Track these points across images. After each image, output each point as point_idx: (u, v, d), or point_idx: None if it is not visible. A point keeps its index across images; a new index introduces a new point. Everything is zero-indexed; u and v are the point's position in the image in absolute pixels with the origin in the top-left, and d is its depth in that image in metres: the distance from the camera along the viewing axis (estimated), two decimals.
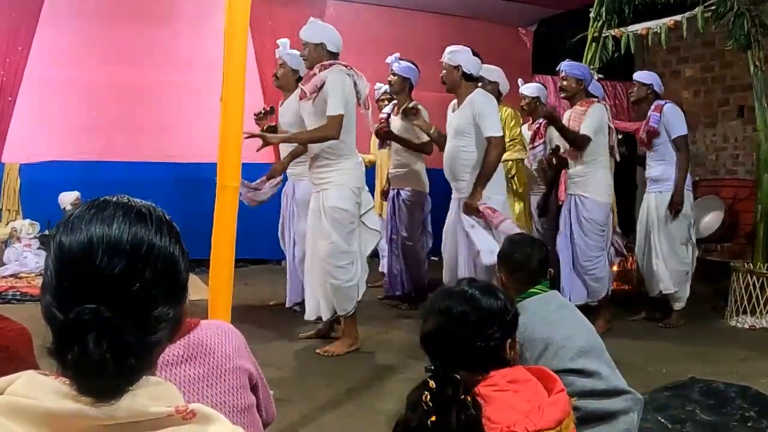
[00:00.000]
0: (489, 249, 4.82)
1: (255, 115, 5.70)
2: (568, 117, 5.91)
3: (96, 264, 0.99)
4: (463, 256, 5.17)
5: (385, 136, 6.28)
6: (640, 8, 6.65)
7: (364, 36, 8.39)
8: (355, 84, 4.90)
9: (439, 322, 1.93)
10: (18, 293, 6.51)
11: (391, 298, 6.68)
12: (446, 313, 1.92)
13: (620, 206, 6.12)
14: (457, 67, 5.13)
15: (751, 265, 6.00)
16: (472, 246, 5.03)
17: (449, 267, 5.32)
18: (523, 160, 6.43)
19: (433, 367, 1.84)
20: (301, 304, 5.46)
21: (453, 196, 5.35)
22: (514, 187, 6.40)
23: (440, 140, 5.61)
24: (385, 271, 6.78)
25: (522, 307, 1.88)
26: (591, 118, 5.61)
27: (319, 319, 5.09)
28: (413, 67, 6.31)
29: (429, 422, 1.69)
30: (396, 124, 6.32)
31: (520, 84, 6.85)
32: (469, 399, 1.72)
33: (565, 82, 5.79)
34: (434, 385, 1.75)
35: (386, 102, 6.70)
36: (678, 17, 6.21)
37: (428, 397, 1.73)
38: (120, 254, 1.00)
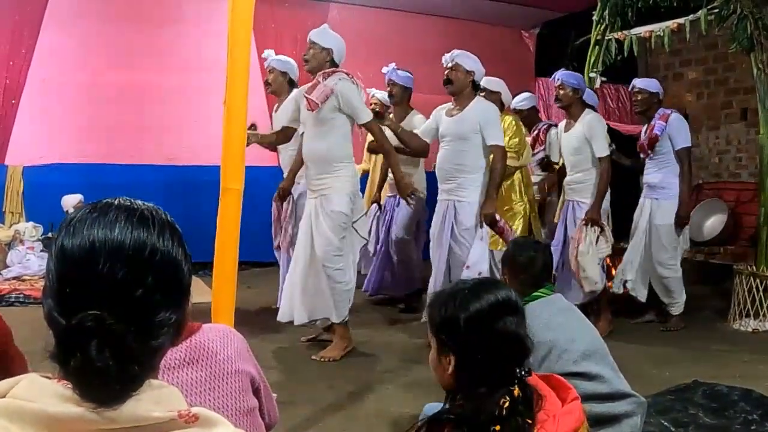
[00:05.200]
0: (476, 268, 5.00)
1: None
2: (562, 127, 5.96)
3: (98, 269, 0.98)
4: (453, 258, 5.20)
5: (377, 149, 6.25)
6: (643, 11, 6.64)
7: (367, 39, 8.39)
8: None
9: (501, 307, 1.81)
10: (21, 296, 6.52)
11: (384, 302, 6.67)
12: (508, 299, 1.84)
13: (622, 214, 6.11)
14: (471, 72, 5.20)
15: (754, 267, 5.99)
16: (462, 254, 5.12)
17: (438, 270, 5.28)
18: (519, 168, 6.42)
19: (525, 371, 1.72)
20: None
21: (440, 197, 5.37)
22: (517, 195, 6.40)
23: (405, 137, 5.58)
24: (367, 271, 6.75)
25: (526, 310, 1.86)
26: (598, 136, 5.68)
27: (291, 322, 5.05)
28: (411, 75, 6.35)
29: (493, 429, 1.61)
30: (391, 134, 6.32)
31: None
32: (529, 421, 1.65)
33: (561, 92, 5.83)
34: (519, 394, 1.67)
35: (373, 106, 6.62)
36: (681, 20, 6.20)
37: (506, 403, 1.64)
38: (122, 259, 1.00)
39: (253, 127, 5.55)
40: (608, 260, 6.09)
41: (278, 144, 5.46)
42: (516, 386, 1.69)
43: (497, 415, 1.63)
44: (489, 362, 1.73)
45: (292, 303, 4.98)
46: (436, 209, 5.41)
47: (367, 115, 4.93)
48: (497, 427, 1.62)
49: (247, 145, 5.06)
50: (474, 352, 1.75)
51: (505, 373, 1.72)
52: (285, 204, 5.82)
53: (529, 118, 6.80)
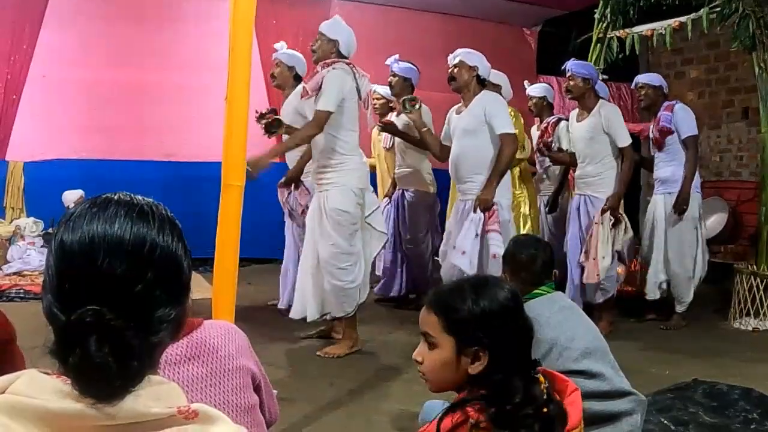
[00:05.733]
0: (460, 247, 4.95)
1: (256, 112, 5.21)
2: (574, 117, 5.91)
3: (97, 264, 0.98)
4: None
5: (390, 129, 6.21)
6: (645, 9, 6.65)
7: (369, 36, 8.34)
8: (356, 83, 4.88)
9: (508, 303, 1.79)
10: (21, 291, 6.53)
11: (387, 300, 6.67)
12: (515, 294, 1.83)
13: (625, 208, 6.08)
14: (474, 68, 5.16)
15: (755, 267, 5.99)
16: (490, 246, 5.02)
17: (448, 270, 5.25)
18: (521, 161, 6.40)
19: (537, 359, 1.76)
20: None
21: (457, 197, 5.33)
22: (516, 188, 6.38)
23: (431, 140, 5.59)
24: (380, 272, 6.74)
25: (526, 308, 1.84)
26: (618, 127, 5.63)
27: (304, 319, 5.03)
28: (413, 67, 6.31)
29: (542, 411, 1.63)
30: (398, 124, 6.30)
31: (526, 85, 6.86)
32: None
33: (572, 82, 5.74)
34: (543, 380, 1.69)
35: (374, 102, 6.59)
36: (683, 18, 6.20)
37: (545, 388, 1.67)
38: (122, 254, 1.00)
39: (273, 111, 5.44)
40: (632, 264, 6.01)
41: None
42: (539, 373, 1.71)
43: (544, 399, 1.65)
44: (520, 351, 1.74)
45: (305, 300, 4.96)
46: (454, 208, 5.36)
47: (324, 105, 4.69)
48: (545, 410, 1.63)
49: (273, 134, 5.11)
50: (510, 342, 1.73)
51: (528, 361, 1.74)
52: (296, 191, 5.70)
53: (537, 106, 6.73)
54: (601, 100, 5.79)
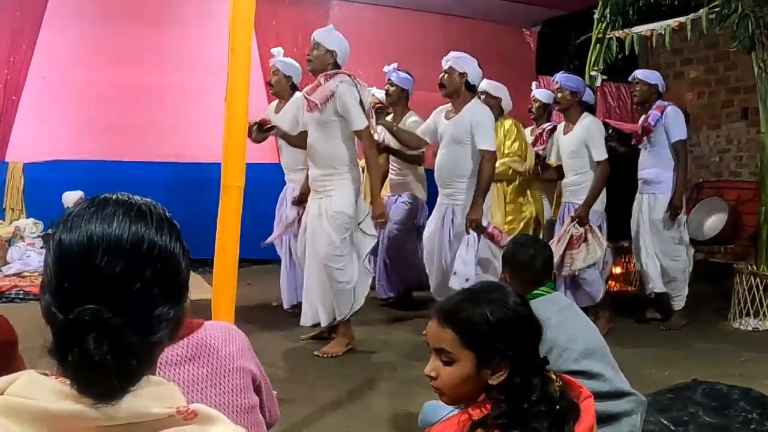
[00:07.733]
0: (463, 275, 4.93)
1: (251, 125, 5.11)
2: (561, 129, 5.96)
3: (96, 264, 0.98)
4: (447, 263, 5.21)
5: (383, 150, 6.25)
6: (645, 10, 6.64)
7: (368, 37, 8.38)
8: (359, 94, 4.90)
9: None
10: (21, 292, 6.52)
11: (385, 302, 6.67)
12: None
13: (620, 208, 6.08)
14: (464, 74, 5.18)
15: (755, 267, 5.99)
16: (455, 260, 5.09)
17: (437, 273, 5.30)
18: (525, 171, 6.39)
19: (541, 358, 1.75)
20: (298, 305, 5.45)
21: (439, 200, 5.36)
22: (525, 198, 6.37)
23: (404, 136, 5.67)
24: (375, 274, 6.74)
25: None
26: (596, 140, 5.65)
27: (317, 324, 5.07)
28: (410, 78, 6.37)
29: (555, 408, 1.62)
30: (390, 136, 6.31)
31: (533, 87, 6.86)
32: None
33: (560, 94, 5.81)
34: (556, 378, 1.70)
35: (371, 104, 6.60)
36: (682, 19, 6.20)
37: (558, 387, 1.67)
38: (120, 254, 0.99)
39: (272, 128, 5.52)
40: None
41: (300, 147, 5.41)
42: (551, 372, 1.71)
43: (557, 397, 1.66)
44: (534, 352, 1.73)
45: (314, 306, 4.98)
46: (434, 212, 5.40)
47: (361, 123, 4.83)
48: (557, 406, 1.63)
49: (261, 138, 5.17)
50: (526, 346, 1.71)
51: (540, 359, 1.73)
52: (284, 204, 5.85)
53: (539, 111, 6.71)
54: (585, 113, 5.83)
